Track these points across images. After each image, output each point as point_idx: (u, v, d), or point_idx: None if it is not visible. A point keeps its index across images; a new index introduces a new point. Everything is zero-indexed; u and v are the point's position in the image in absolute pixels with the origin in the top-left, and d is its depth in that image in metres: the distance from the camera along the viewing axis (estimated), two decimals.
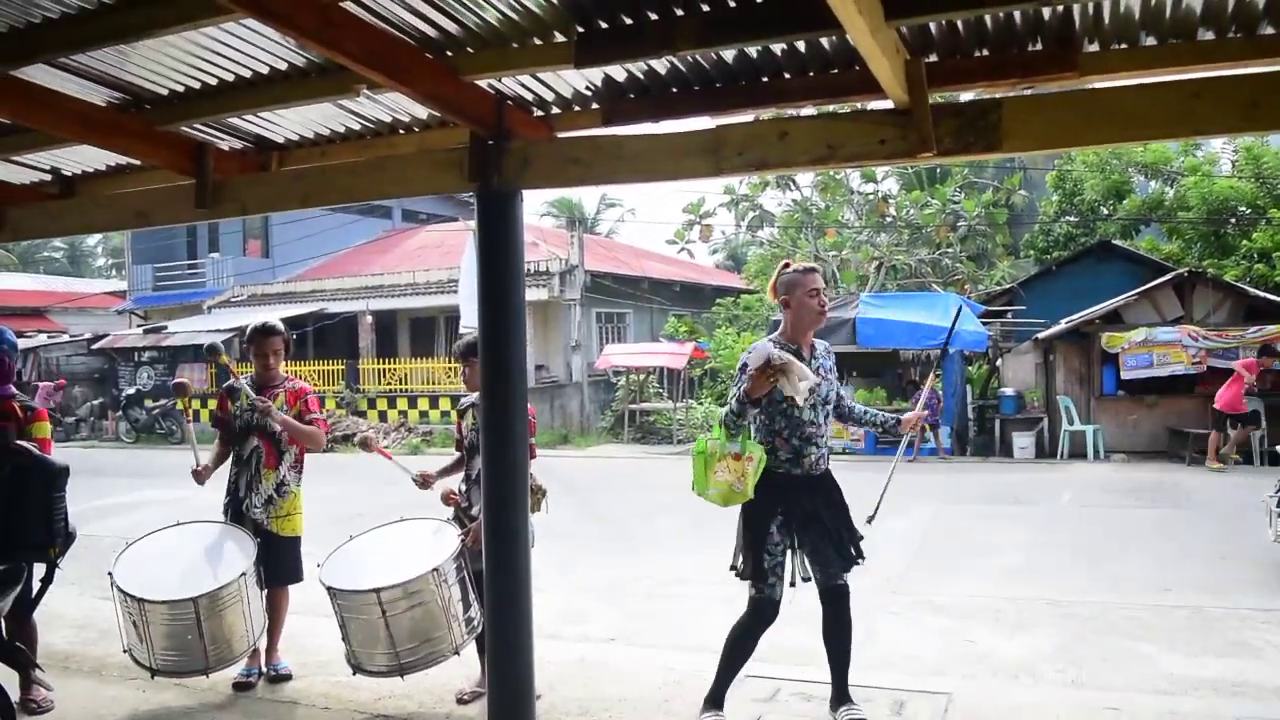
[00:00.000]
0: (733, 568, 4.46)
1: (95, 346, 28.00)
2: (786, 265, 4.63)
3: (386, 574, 4.64)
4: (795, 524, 4.37)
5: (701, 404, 22.88)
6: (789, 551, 4.39)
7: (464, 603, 4.83)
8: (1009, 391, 17.76)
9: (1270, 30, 3.69)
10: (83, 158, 5.72)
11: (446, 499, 5.28)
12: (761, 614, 4.39)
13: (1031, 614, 6.93)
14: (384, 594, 4.57)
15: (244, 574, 4.84)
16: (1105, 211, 25.01)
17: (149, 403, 24.71)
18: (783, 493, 4.36)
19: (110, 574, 4.70)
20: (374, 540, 5.08)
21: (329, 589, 4.71)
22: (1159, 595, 7.37)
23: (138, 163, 5.58)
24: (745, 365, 4.30)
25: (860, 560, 4.49)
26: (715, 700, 4.51)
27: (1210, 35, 3.76)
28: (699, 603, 6.97)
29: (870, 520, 4.70)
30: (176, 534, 5.13)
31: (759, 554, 4.31)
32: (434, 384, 23.70)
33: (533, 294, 21.83)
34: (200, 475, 5.34)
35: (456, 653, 4.82)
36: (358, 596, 4.64)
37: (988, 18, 3.65)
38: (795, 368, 4.12)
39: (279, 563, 5.27)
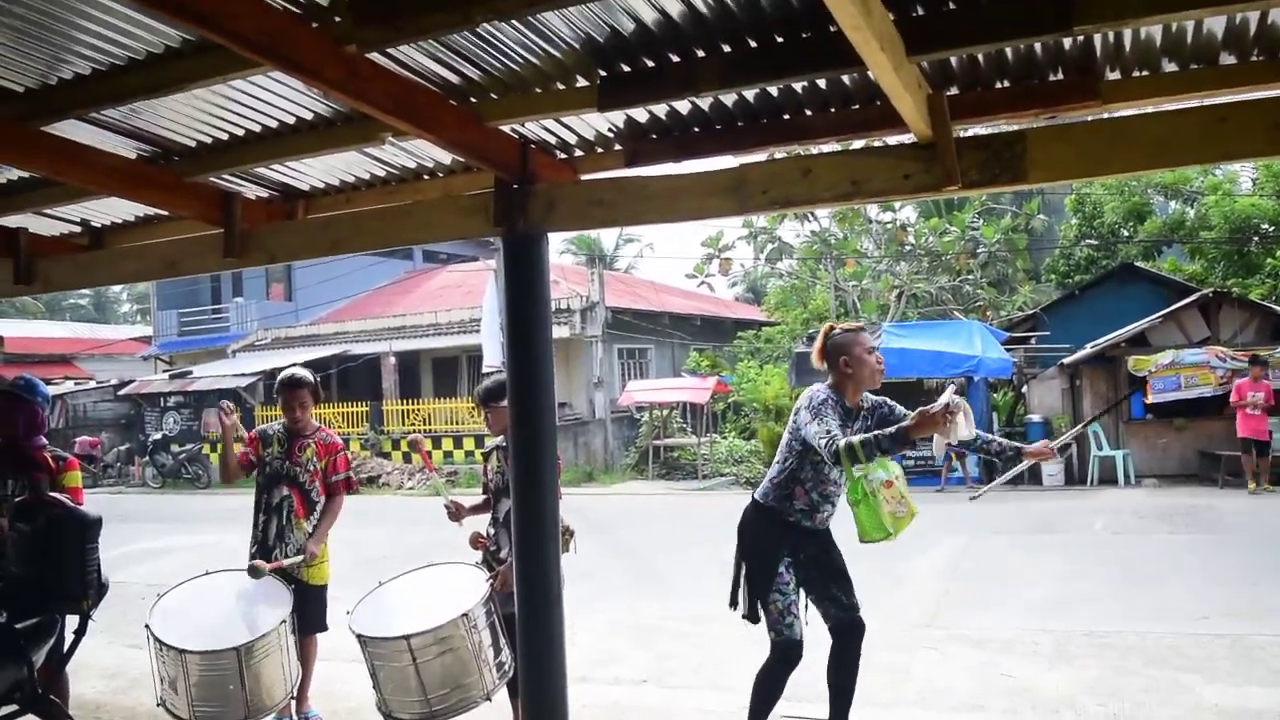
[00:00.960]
0: (732, 604, 4.44)
1: (122, 392, 28.23)
2: (832, 328, 4.53)
3: (416, 620, 4.61)
4: (802, 566, 4.38)
5: (725, 438, 22.80)
6: (799, 590, 4.37)
7: (494, 647, 4.79)
8: (1036, 418, 17.63)
9: None
10: (111, 209, 5.80)
11: (475, 542, 5.26)
12: (784, 656, 4.33)
13: (1069, 645, 6.82)
14: (414, 640, 4.53)
15: (284, 621, 4.82)
16: (1126, 233, 24.91)
17: (175, 448, 24.88)
18: (790, 537, 4.36)
19: (147, 625, 4.67)
20: (402, 586, 5.05)
21: (359, 636, 4.67)
22: (1197, 623, 7.25)
23: (166, 213, 5.66)
24: (825, 400, 4.25)
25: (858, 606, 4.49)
26: None
27: (1233, 59, 3.76)
28: (731, 641, 6.89)
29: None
30: (209, 583, 5.11)
31: (769, 595, 4.29)
32: (458, 424, 23.71)
33: (554, 331, 21.65)
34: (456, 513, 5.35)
35: (488, 698, 4.76)
36: (388, 644, 4.60)
37: (1008, 50, 3.66)
38: (967, 415, 4.04)
39: (309, 611, 5.25)
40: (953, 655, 6.73)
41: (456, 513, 5.33)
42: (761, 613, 4.34)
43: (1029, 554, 10.53)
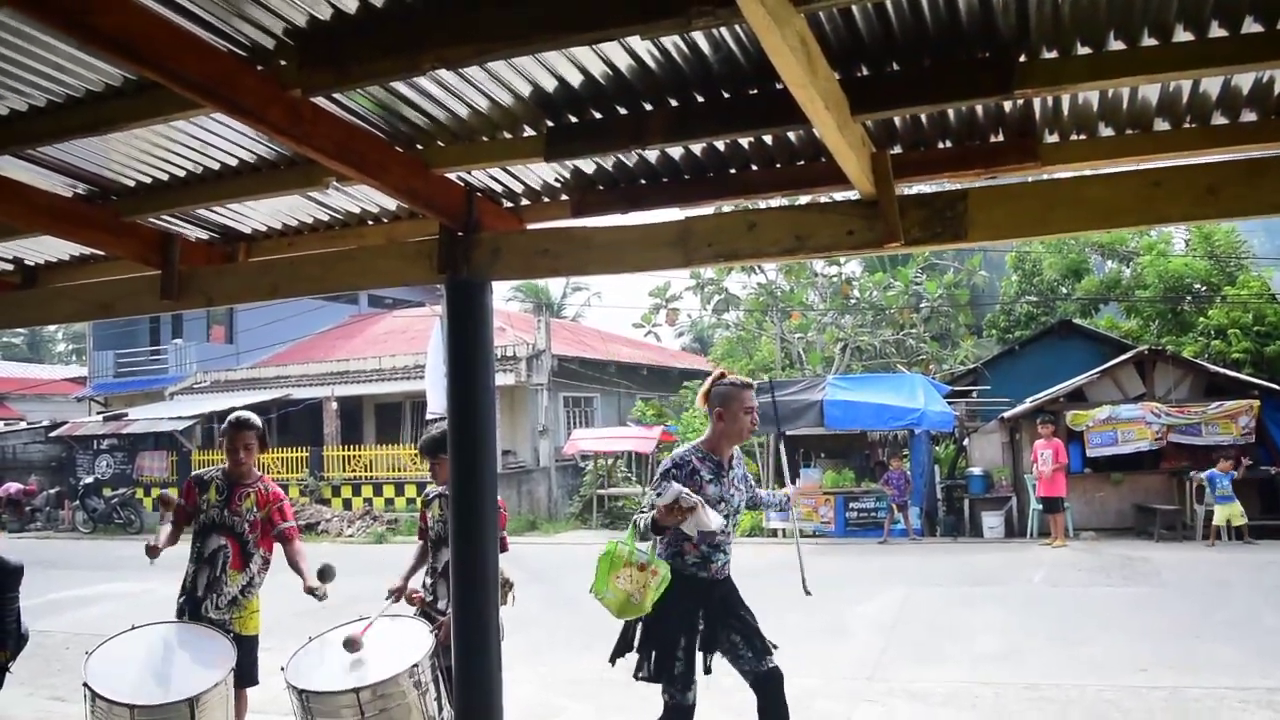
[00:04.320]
0: (636, 675, 4.39)
1: (54, 434, 27.49)
2: (722, 376, 4.58)
3: (361, 674, 4.48)
4: (706, 627, 4.35)
5: None
6: (696, 656, 4.35)
7: (438, 702, 4.69)
8: (977, 471, 17.80)
9: (1223, 120, 3.81)
10: (46, 248, 5.68)
11: (410, 598, 5.16)
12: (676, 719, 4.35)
13: (1008, 699, 6.84)
14: (362, 694, 4.39)
15: (231, 670, 4.65)
16: (1064, 291, 25.46)
17: (108, 492, 24.23)
18: (691, 597, 4.32)
19: (86, 684, 4.39)
20: (339, 639, 4.91)
21: (299, 691, 4.50)
22: (1135, 676, 7.31)
23: (103, 253, 5.55)
24: (666, 471, 4.29)
25: (774, 648, 4.46)
26: None
27: (1166, 125, 3.87)
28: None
29: (807, 592, 4.72)
30: (139, 636, 4.90)
31: (669, 661, 4.27)
32: (399, 471, 23.40)
33: (500, 379, 21.68)
34: (153, 550, 5.08)
35: None
36: (334, 698, 4.43)
37: (950, 111, 3.74)
38: (701, 511, 4.06)
39: (241, 663, 5.08)
40: (893, 709, 6.71)
41: (405, 595, 5.22)
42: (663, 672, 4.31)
43: (968, 606, 10.58)
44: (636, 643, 4.38)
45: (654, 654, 4.30)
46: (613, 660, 4.48)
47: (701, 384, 4.64)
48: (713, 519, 4.09)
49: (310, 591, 5.01)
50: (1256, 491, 15.52)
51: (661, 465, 4.36)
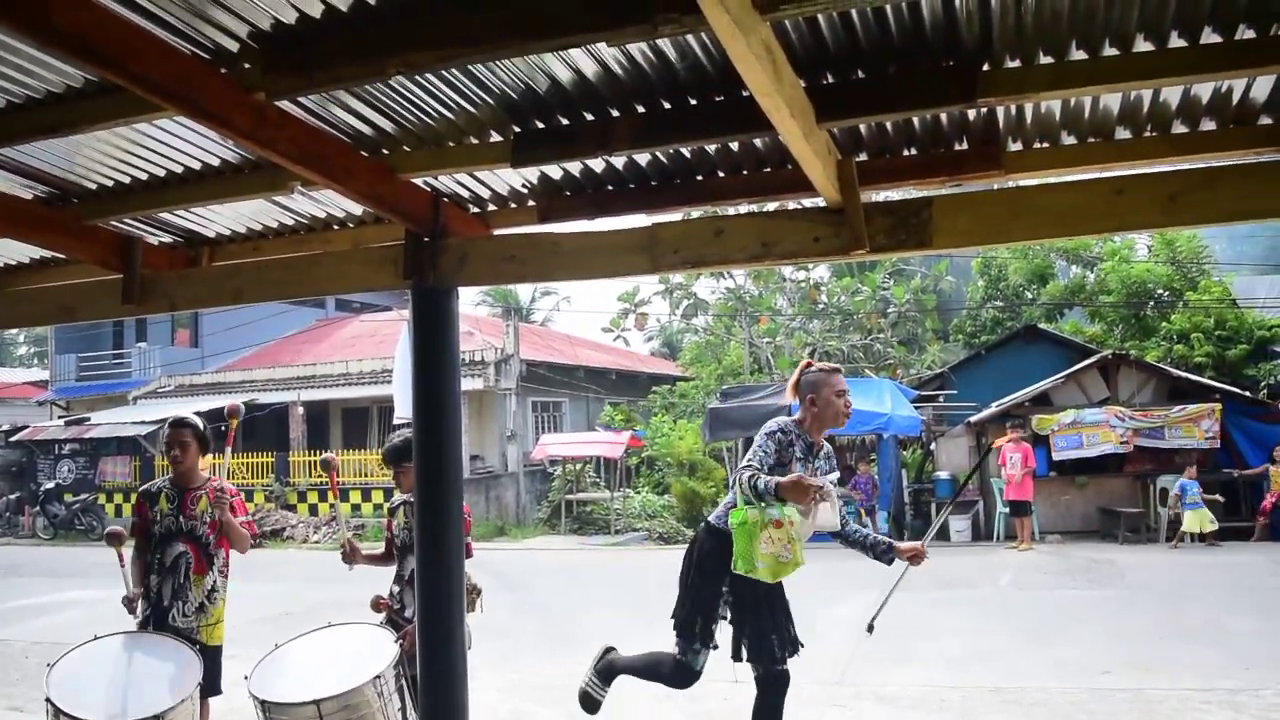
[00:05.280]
0: (674, 616, 4.44)
1: (14, 439, 27.10)
2: (809, 364, 4.54)
3: (325, 684, 4.42)
4: (743, 604, 4.31)
5: (639, 493, 22.74)
6: (726, 625, 4.36)
7: (403, 712, 4.65)
8: (944, 475, 17.92)
9: (1184, 129, 3.86)
10: (6, 251, 5.59)
11: (376, 605, 5.11)
12: (678, 678, 4.43)
13: (976, 702, 6.88)
14: (325, 705, 4.33)
15: (198, 685, 4.57)
16: (1030, 296, 25.72)
17: (69, 497, 23.91)
18: (740, 579, 4.24)
19: (49, 699, 4.25)
20: (303, 647, 4.85)
21: (261, 702, 4.43)
22: (1100, 678, 7.38)
23: (63, 256, 5.47)
24: (772, 434, 4.24)
25: (801, 647, 4.45)
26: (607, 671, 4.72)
27: (1128, 134, 3.91)
28: (644, 700, 6.81)
29: (870, 629, 4.66)
30: (101, 647, 4.79)
31: (704, 614, 4.32)
32: (367, 476, 23.24)
33: (468, 384, 21.67)
34: (131, 603, 5.02)
35: None
36: (296, 710, 4.36)
37: (915, 119, 3.76)
38: (830, 505, 4.00)
39: (206, 674, 5.01)
40: (861, 713, 6.74)
41: (351, 554, 5.18)
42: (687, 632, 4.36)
43: (937, 610, 10.63)
44: (680, 590, 4.45)
45: (687, 607, 4.36)
46: (706, 639, 4.40)
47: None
48: (833, 518, 4.06)
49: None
50: (1219, 494, 15.72)
51: (766, 427, 4.30)
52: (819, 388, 4.38)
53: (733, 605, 4.34)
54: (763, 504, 4.02)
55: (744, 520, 4.08)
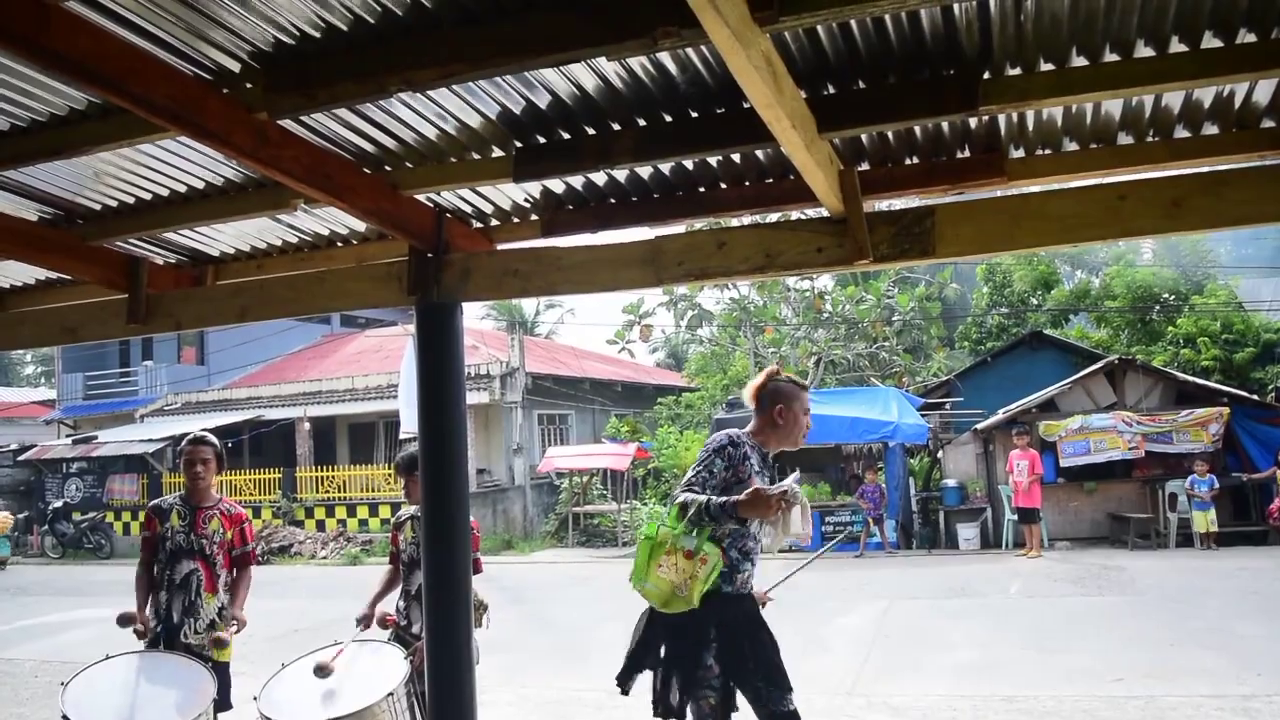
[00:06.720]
0: (657, 711, 3.83)
1: (21, 458, 27.11)
2: (777, 372, 4.14)
3: (338, 703, 4.40)
4: (729, 651, 3.77)
5: (646, 504, 22.70)
6: (728, 684, 3.78)
7: None
8: (951, 483, 17.87)
9: (1186, 134, 3.85)
10: (9, 272, 5.62)
11: (383, 622, 5.10)
12: None
13: (987, 711, 6.85)
14: None
15: (213, 702, 4.56)
16: (1035, 302, 25.70)
17: (77, 516, 23.92)
18: (716, 612, 3.75)
19: (65, 716, 4.23)
20: (312, 666, 4.84)
21: None
22: (1112, 686, 7.34)
23: (68, 277, 5.49)
24: (722, 448, 3.84)
25: (791, 690, 3.84)
26: None
27: (1130, 139, 3.91)
28: (650, 716, 6.78)
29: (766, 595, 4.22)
30: (113, 666, 4.78)
31: (698, 690, 3.71)
32: (373, 491, 23.21)
33: (474, 397, 21.67)
34: (142, 628, 5.02)
35: None
36: None
37: (917, 128, 3.76)
38: (800, 513, 3.58)
39: (219, 691, 5.01)
40: None
41: (368, 620, 5.17)
42: (690, 711, 3.76)
43: (947, 618, 10.61)
44: (660, 675, 3.83)
45: (685, 689, 3.75)
46: (621, 683, 3.93)
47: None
48: (804, 525, 3.60)
49: (232, 618, 5.01)
50: (1229, 498, 15.67)
51: (715, 439, 3.88)
52: (790, 401, 4.02)
53: (721, 655, 3.76)
54: (696, 529, 3.65)
55: (652, 535, 3.75)
